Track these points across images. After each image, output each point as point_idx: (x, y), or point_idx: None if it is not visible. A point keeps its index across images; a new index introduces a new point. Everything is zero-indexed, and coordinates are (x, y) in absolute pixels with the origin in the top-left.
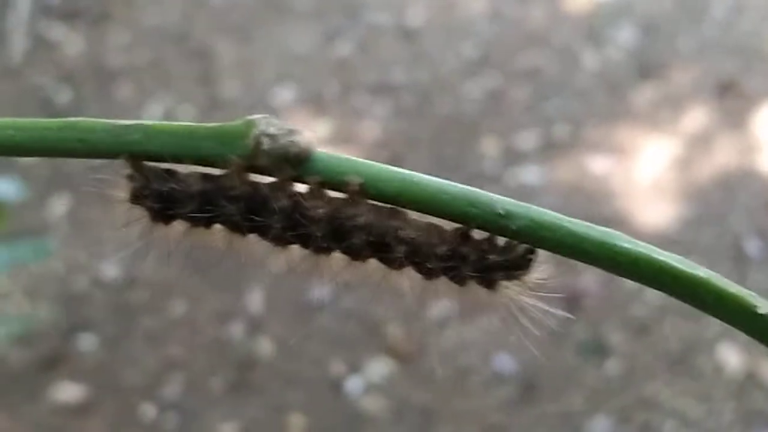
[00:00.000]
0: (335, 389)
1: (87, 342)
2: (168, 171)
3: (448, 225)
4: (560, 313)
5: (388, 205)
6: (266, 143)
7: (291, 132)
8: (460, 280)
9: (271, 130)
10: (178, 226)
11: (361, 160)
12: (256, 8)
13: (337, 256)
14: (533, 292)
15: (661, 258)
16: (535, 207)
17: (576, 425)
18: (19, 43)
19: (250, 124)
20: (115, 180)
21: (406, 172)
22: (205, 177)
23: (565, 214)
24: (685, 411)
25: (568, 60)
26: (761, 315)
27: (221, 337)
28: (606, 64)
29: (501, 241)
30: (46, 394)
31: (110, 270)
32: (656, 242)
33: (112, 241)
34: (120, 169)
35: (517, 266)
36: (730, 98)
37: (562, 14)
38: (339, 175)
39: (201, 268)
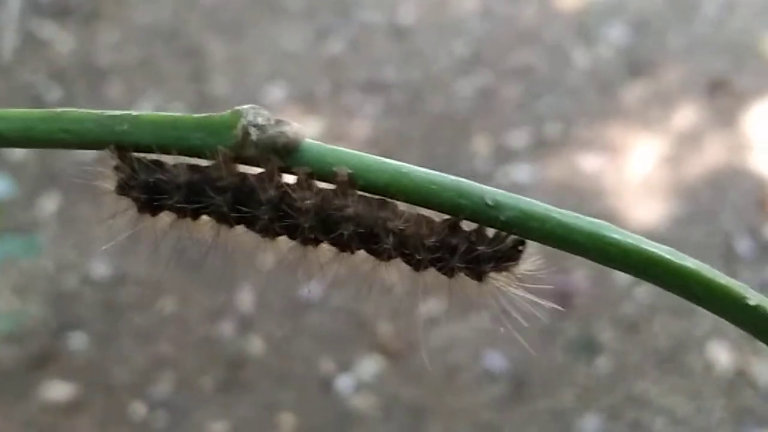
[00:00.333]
0: (326, 387)
1: (77, 340)
2: (155, 162)
3: (437, 216)
4: (549, 304)
5: (377, 197)
6: (254, 134)
7: (279, 122)
8: (448, 271)
9: (259, 120)
10: (166, 217)
11: (350, 150)
12: (248, 6)
13: (326, 248)
14: (522, 284)
15: (651, 249)
16: (524, 198)
17: (566, 423)
18: (9, 41)
19: (238, 115)
20: (103, 171)
21: (396, 163)
22: (193, 168)
23: None
24: (675, 409)
25: (560, 58)
26: (752, 306)
27: (211, 336)
28: (597, 62)
29: (490, 232)
30: (35, 393)
31: (100, 268)
32: None
33: (101, 239)
34: (107, 160)
35: (506, 257)
36: (721, 96)
37: (553, 12)
38: (327, 166)
39: (191, 266)
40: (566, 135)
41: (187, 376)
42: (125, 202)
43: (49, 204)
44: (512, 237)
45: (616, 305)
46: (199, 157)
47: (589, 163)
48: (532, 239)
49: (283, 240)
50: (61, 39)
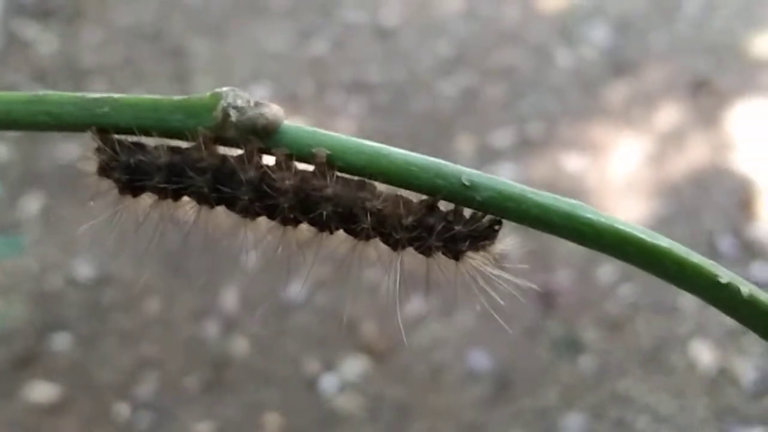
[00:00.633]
0: (310, 387)
1: (61, 341)
2: (136, 143)
3: (416, 197)
4: (525, 284)
5: (356, 177)
6: (234, 115)
7: (258, 104)
8: (426, 250)
9: (239, 102)
10: (147, 198)
11: (328, 132)
12: (231, 6)
13: (305, 228)
14: (498, 263)
15: (625, 228)
16: (501, 179)
17: (550, 421)
18: None
19: (217, 97)
20: (84, 154)
21: (375, 144)
22: (173, 149)
23: None
24: (658, 407)
25: (543, 58)
26: (723, 284)
27: (196, 336)
28: (580, 63)
29: (467, 212)
30: (19, 393)
31: (84, 268)
32: None
33: (85, 240)
34: (88, 142)
35: (483, 237)
36: (703, 96)
37: (536, 13)
38: (306, 147)
39: (175, 267)
40: (549, 135)
41: (172, 376)
42: (107, 184)
43: (32, 204)
44: (489, 217)
45: (600, 304)
46: (180, 138)
47: (573, 162)
48: (508, 219)
49: (262, 220)
50: (43, 40)
